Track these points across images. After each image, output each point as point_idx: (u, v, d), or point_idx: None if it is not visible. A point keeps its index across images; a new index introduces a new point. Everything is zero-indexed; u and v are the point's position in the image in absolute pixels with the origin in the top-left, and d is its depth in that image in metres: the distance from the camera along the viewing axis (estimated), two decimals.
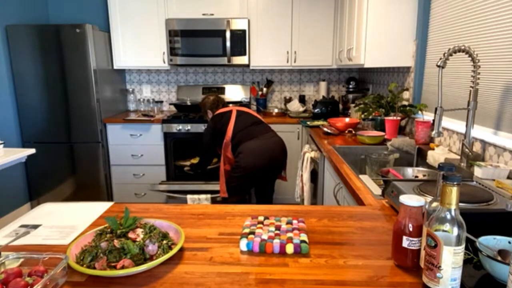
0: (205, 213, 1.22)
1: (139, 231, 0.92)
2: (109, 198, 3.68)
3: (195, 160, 3.50)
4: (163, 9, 3.60)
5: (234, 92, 4.06)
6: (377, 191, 1.41)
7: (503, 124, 1.65)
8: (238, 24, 3.53)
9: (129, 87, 4.19)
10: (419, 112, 2.36)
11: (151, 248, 0.89)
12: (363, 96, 3.59)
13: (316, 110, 3.42)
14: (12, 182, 3.41)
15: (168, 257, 0.88)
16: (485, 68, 1.77)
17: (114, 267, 0.83)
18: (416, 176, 1.60)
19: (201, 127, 3.52)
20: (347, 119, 2.91)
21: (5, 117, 3.35)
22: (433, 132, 1.58)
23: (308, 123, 3.13)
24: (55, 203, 1.33)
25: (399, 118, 2.41)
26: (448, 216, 0.72)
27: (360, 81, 4.00)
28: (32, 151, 2.37)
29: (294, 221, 1.11)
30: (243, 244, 0.97)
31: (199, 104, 3.11)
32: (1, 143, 2.22)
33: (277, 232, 1.04)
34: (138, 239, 0.90)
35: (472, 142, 1.67)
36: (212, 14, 3.60)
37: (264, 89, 3.99)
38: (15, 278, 0.77)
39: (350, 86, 3.81)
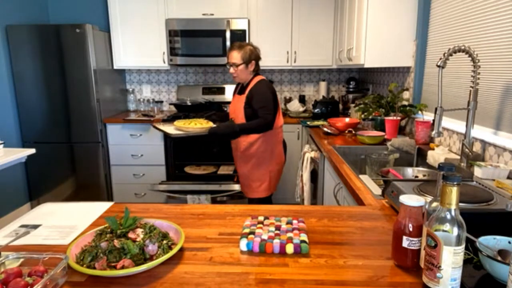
0: (205, 213, 1.22)
1: (139, 231, 0.92)
2: (109, 198, 3.68)
3: (198, 122, 2.61)
4: (163, 9, 3.60)
5: None
6: (377, 191, 1.41)
7: (503, 124, 1.65)
8: (238, 24, 3.53)
9: (129, 87, 4.19)
10: (419, 112, 2.36)
11: (151, 248, 0.89)
12: (363, 96, 3.59)
13: (316, 110, 3.41)
14: (12, 182, 3.41)
15: (168, 257, 0.88)
16: (485, 68, 1.77)
17: (114, 267, 0.83)
18: (416, 176, 1.60)
19: None
20: (347, 119, 2.91)
21: (5, 117, 3.35)
22: (433, 132, 1.58)
23: (308, 123, 3.13)
24: (55, 203, 1.33)
25: (399, 118, 2.41)
26: (448, 216, 0.72)
27: (360, 81, 4.00)
28: (32, 151, 2.37)
29: (294, 221, 1.11)
30: (243, 244, 0.97)
31: (240, 46, 2.38)
32: (1, 143, 2.22)
33: (277, 232, 1.04)
34: (138, 239, 0.90)
35: (472, 142, 1.67)
36: (212, 14, 3.60)
37: None
38: (15, 278, 0.77)
39: (350, 86, 3.80)
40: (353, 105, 3.28)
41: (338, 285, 0.81)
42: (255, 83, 2.40)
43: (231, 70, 2.41)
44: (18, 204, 3.48)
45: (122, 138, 3.60)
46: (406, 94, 2.69)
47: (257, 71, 2.49)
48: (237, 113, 2.46)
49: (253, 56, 2.40)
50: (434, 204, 0.85)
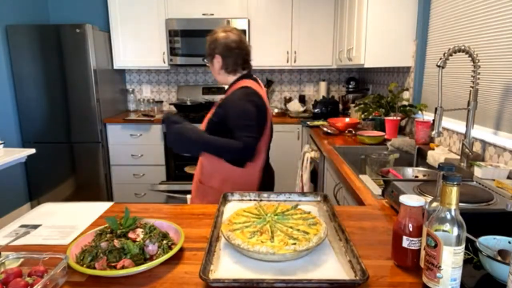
0: (205, 213, 1.22)
1: (139, 231, 0.92)
2: (109, 198, 3.68)
3: None
4: (163, 9, 3.60)
5: None
6: (377, 191, 1.41)
7: (503, 124, 1.65)
8: (238, 24, 3.53)
9: (129, 87, 4.19)
10: (419, 112, 2.36)
11: (151, 248, 0.89)
12: (363, 96, 3.59)
13: (316, 110, 3.41)
14: (12, 182, 3.41)
15: (168, 257, 0.88)
16: (485, 68, 1.77)
17: (114, 267, 0.83)
18: (416, 176, 1.60)
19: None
20: (347, 119, 2.91)
21: (5, 117, 3.35)
22: (433, 132, 1.58)
23: (308, 123, 3.13)
24: (55, 203, 1.33)
25: (399, 118, 2.41)
26: (448, 216, 0.72)
27: (360, 81, 3.99)
28: (32, 151, 2.37)
29: None
30: None
31: (211, 34, 1.69)
32: (1, 143, 2.22)
33: None
34: (138, 239, 0.90)
35: (472, 142, 1.67)
36: (212, 14, 3.60)
37: (264, 89, 3.99)
38: (15, 278, 0.77)
39: (350, 86, 3.80)
40: (353, 105, 3.28)
41: None
42: (234, 91, 1.64)
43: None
44: (18, 204, 3.48)
45: (122, 138, 3.60)
46: (406, 94, 2.69)
47: (242, 72, 1.71)
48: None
49: (218, 50, 1.62)
50: (434, 204, 0.85)
